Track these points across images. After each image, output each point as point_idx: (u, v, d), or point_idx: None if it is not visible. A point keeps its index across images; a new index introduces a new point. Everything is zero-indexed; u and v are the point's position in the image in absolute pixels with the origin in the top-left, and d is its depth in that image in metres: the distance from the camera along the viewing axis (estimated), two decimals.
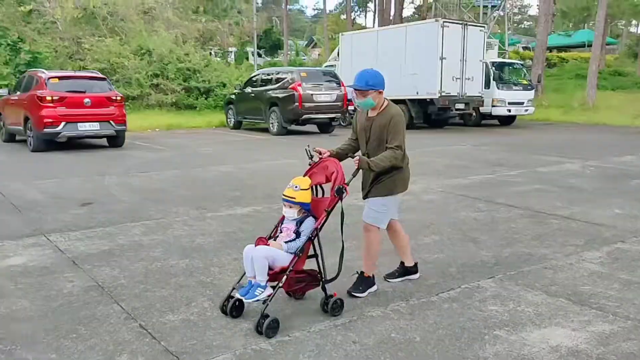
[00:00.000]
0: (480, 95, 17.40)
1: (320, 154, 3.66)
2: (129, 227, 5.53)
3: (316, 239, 3.43)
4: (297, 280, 3.38)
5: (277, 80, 16.00)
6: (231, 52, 36.96)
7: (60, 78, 11.63)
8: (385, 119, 3.64)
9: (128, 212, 6.19)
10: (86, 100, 11.35)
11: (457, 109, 17.21)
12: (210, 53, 29.64)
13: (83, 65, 20.78)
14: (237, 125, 17.60)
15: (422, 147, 12.31)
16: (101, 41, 21.96)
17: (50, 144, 11.36)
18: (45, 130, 10.97)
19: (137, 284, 4.01)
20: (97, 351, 2.99)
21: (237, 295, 3.30)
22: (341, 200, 3.46)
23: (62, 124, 11.01)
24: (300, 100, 14.86)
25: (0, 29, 20.77)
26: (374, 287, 3.85)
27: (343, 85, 15.78)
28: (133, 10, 24.50)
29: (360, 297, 3.73)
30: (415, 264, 4.11)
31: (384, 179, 3.70)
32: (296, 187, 3.44)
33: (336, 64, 20.27)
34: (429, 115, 17.59)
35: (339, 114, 16.00)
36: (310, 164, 3.67)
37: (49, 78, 11.44)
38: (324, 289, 3.45)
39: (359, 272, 3.86)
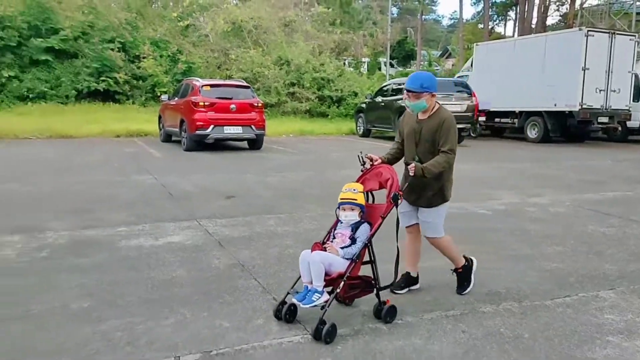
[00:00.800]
0: (627, 108, 16.19)
1: (371, 160, 3.67)
2: (265, 219, 6.18)
3: (370, 245, 3.44)
4: (352, 286, 3.37)
5: None
6: (364, 62, 37.83)
7: (211, 86, 12.99)
8: (436, 122, 3.62)
9: (265, 206, 6.89)
10: (232, 106, 12.56)
11: (599, 123, 16.18)
12: (344, 63, 30.65)
13: (229, 74, 22.70)
14: (366, 133, 18.13)
15: (557, 160, 11.84)
16: (246, 52, 23.81)
17: (200, 145, 12.71)
18: (196, 132, 12.33)
19: (272, 265, 4.57)
20: (240, 314, 3.54)
21: (293, 301, 3.31)
22: (396, 207, 3.49)
23: (211, 127, 12.29)
24: None
25: (162, 42, 23.46)
26: (474, 266, 4.04)
27: (474, 95, 15.62)
28: (275, 23, 26.22)
29: (471, 287, 3.96)
30: (417, 274, 4.06)
31: (437, 187, 3.70)
32: (354, 190, 3.48)
33: (469, 74, 20.02)
34: (568, 128, 16.72)
35: (469, 125, 15.83)
36: (362, 170, 3.69)
37: (203, 86, 12.84)
38: (377, 295, 3.47)
39: (454, 271, 4.00)
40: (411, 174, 3.51)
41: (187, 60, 23.05)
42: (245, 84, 14.04)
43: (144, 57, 22.11)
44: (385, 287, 3.51)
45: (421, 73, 3.83)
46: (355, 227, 3.43)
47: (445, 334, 3.30)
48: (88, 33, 21.71)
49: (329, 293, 3.28)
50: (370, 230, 3.43)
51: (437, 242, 3.88)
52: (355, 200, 3.45)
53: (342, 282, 3.23)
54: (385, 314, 3.41)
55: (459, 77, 20.64)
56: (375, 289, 3.46)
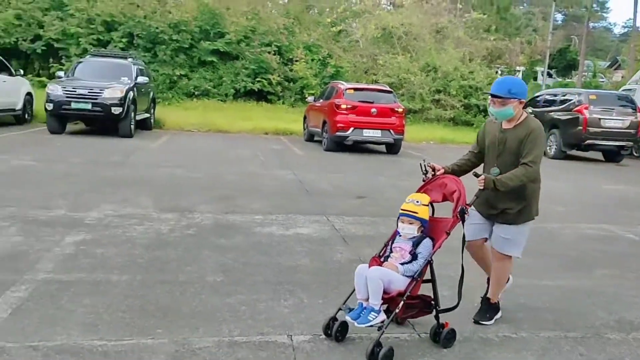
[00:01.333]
0: None
1: (434, 170, 3.40)
2: (392, 220, 6.23)
3: (431, 264, 3.15)
4: (409, 306, 3.06)
5: (562, 102, 15.25)
6: (518, 71, 35.98)
7: (355, 89, 13.40)
8: (523, 132, 3.32)
9: (392, 208, 6.90)
10: (373, 110, 12.82)
11: None
12: (496, 72, 29.47)
13: (375, 79, 23.08)
14: None
15: None
16: (393, 58, 24.00)
17: (339, 145, 13.17)
18: (337, 133, 12.80)
19: None
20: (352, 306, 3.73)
21: (347, 318, 3.09)
22: (463, 223, 3.19)
23: (351, 129, 12.67)
24: (585, 124, 13.92)
25: (315, 47, 24.58)
26: (499, 314, 3.63)
27: None
28: (427, 30, 26.06)
29: (488, 324, 3.54)
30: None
31: (521, 203, 3.39)
32: (417, 201, 3.21)
33: (636, 87, 18.15)
34: None
35: (631, 142, 14.41)
36: (424, 180, 3.43)
37: (347, 89, 13.29)
38: (437, 317, 3.18)
39: (483, 298, 3.66)
40: (480, 186, 3.23)
41: (336, 65, 23.88)
42: (388, 88, 14.23)
43: (296, 60, 23.34)
44: (446, 310, 3.19)
45: (509, 78, 3.66)
46: (416, 242, 3.14)
47: (560, 354, 3.18)
48: (249, 37, 23.48)
49: (386, 312, 3.02)
50: (433, 247, 3.15)
51: (505, 263, 3.53)
52: (416, 213, 3.17)
53: (402, 302, 2.95)
54: (444, 337, 3.15)
55: (624, 90, 18.80)
56: (434, 310, 3.17)
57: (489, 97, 3.42)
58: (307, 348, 3.10)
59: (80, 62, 14.71)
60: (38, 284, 3.76)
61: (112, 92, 12.26)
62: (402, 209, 3.22)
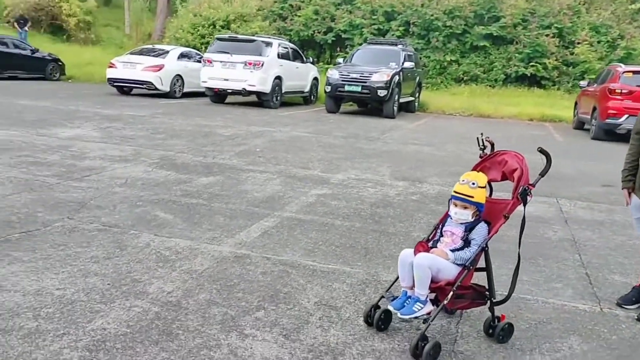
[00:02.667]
0: None
1: (492, 145, 2.97)
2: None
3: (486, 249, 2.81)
4: (459, 296, 2.73)
5: None
6: None
7: (634, 72, 11.90)
8: None
9: None
10: None
11: None
12: None
13: None
14: None
15: None
16: None
17: (609, 134, 11.93)
18: (607, 120, 11.64)
19: (606, 250, 4.49)
20: (543, 275, 3.82)
21: (389, 307, 2.84)
22: (524, 205, 2.74)
23: (625, 116, 11.36)
24: None
25: (603, 27, 22.13)
26: None
27: None
28: None
29: (629, 308, 3.35)
30: None
31: None
32: (473, 183, 2.78)
33: None
34: None
35: None
36: (480, 157, 2.99)
37: (624, 72, 11.91)
38: (491, 310, 2.87)
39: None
40: None
41: (627, 47, 21.10)
42: None
43: (578, 43, 21.45)
44: (500, 302, 2.89)
45: None
46: (470, 226, 2.80)
47: None
48: (527, 20, 22.46)
49: (433, 302, 2.76)
50: (489, 232, 2.78)
51: None
52: (472, 197, 2.76)
53: (452, 292, 2.65)
54: (500, 332, 2.85)
55: None
56: (489, 302, 2.87)
57: None
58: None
59: (358, 49, 16.48)
60: (282, 219, 4.84)
61: (379, 76, 13.51)
62: (454, 191, 2.82)
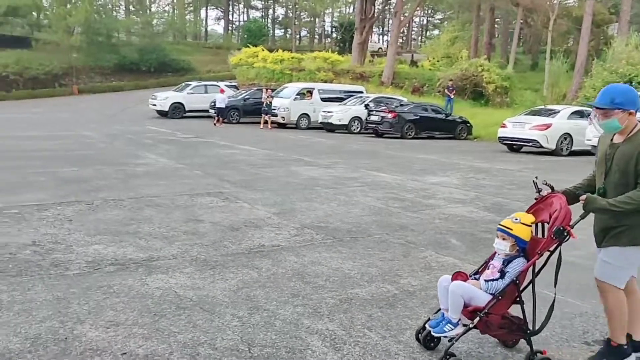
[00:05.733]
0: None
1: (552, 189, 3.20)
2: None
3: (532, 284, 3.09)
4: (496, 325, 3.02)
5: None
6: None
7: None
8: (633, 146, 2.93)
9: None
10: None
11: None
12: None
13: None
14: None
15: None
16: None
17: None
18: None
19: None
20: None
21: (427, 325, 3.21)
22: (559, 244, 3.00)
23: None
24: None
25: None
26: (630, 358, 3.13)
27: None
28: None
29: None
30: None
31: (627, 223, 2.94)
32: (516, 219, 3.10)
33: None
34: None
35: None
36: (536, 199, 3.25)
37: None
38: (529, 342, 3.10)
39: (606, 339, 3.20)
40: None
41: None
42: None
43: None
44: (533, 333, 3.08)
45: (614, 86, 3.11)
46: (508, 260, 3.11)
47: None
48: None
49: (465, 326, 3.03)
50: (524, 266, 3.04)
51: (605, 293, 3.08)
52: (511, 230, 3.07)
53: (478, 318, 2.96)
54: None
55: None
56: (527, 334, 3.09)
57: (593, 108, 3.05)
58: None
59: None
60: None
61: None
62: (499, 224, 3.18)
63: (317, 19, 74.69)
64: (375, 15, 38.84)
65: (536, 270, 3.12)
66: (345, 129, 22.19)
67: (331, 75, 31.71)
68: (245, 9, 78.43)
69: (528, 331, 3.09)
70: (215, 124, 23.44)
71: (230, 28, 73.98)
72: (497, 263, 3.16)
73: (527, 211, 3.26)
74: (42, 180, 8.55)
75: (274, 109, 23.32)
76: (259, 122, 23.49)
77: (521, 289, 3.08)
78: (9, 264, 4.55)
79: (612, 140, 3.10)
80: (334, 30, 62.11)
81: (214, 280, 4.37)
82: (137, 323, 3.52)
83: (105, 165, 10.39)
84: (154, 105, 27.03)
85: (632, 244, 2.98)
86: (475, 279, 3.22)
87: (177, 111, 26.47)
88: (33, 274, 4.34)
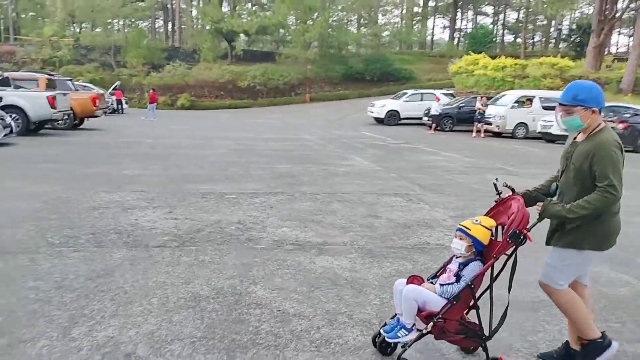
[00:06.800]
0: None
1: (512, 191, 3.09)
2: None
3: (490, 289, 2.99)
4: (452, 331, 2.92)
5: None
6: None
7: None
8: (590, 147, 2.81)
9: None
10: None
11: None
12: None
13: None
14: None
15: None
16: None
17: None
18: None
19: None
20: None
21: (381, 330, 3.12)
22: (515, 248, 2.86)
23: None
24: None
25: None
26: (611, 349, 3.00)
27: None
28: None
29: None
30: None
31: (570, 226, 2.87)
32: (476, 220, 3.02)
33: None
34: None
35: None
36: (496, 201, 3.13)
37: None
38: (484, 348, 2.97)
39: (581, 344, 3.03)
40: (537, 211, 2.91)
41: None
42: None
43: None
44: (489, 337, 2.97)
45: (579, 82, 2.91)
46: (464, 263, 3.00)
47: None
48: None
49: (420, 331, 2.94)
50: (479, 270, 2.94)
51: (548, 293, 3.01)
52: (469, 230, 2.99)
53: (432, 323, 2.88)
54: None
55: None
56: (482, 340, 2.98)
57: (557, 104, 2.95)
58: None
59: None
60: None
61: None
62: (459, 224, 3.08)
63: (553, 22, 69.18)
64: (617, 16, 34.65)
65: (494, 275, 3.02)
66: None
67: (558, 82, 29.46)
68: (474, 16, 76.60)
69: (483, 337, 3.00)
70: (429, 132, 23.85)
71: (457, 36, 73.14)
72: (453, 267, 3.09)
73: (487, 214, 3.17)
74: (261, 174, 10.07)
75: (488, 117, 22.75)
76: (472, 131, 23.16)
77: (478, 294, 2.98)
78: (218, 235, 5.72)
79: (574, 138, 3.05)
80: (572, 33, 56.83)
81: (371, 267, 4.87)
82: (296, 290, 4.22)
83: (314, 164, 11.67)
84: (372, 112, 28.62)
85: (570, 247, 2.93)
86: (432, 282, 3.13)
87: (392, 118, 27.61)
88: (231, 244, 5.41)
